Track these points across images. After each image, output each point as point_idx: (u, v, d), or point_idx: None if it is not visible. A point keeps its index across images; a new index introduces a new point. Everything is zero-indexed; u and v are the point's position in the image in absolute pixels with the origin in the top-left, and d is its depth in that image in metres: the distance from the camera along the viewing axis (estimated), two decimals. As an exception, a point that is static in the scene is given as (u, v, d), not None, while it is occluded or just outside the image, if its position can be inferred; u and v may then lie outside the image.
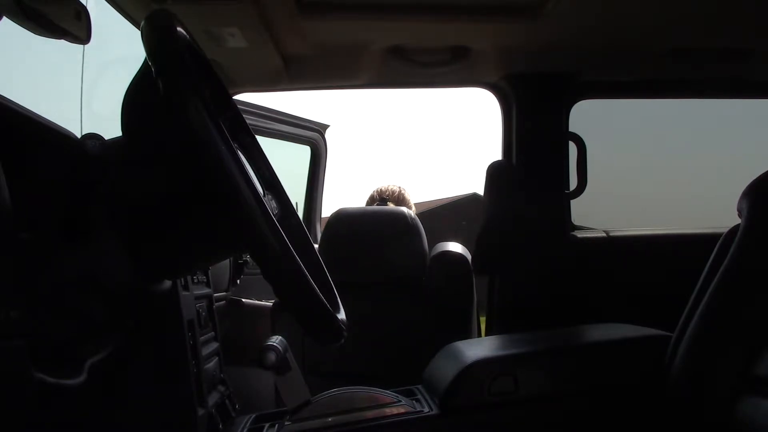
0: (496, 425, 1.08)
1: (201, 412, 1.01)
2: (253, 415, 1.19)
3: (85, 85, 1.63)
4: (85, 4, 0.89)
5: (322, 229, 1.76)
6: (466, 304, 1.69)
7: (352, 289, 1.64)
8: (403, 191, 2.05)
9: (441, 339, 1.63)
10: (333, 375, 1.60)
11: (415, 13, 1.36)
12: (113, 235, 0.69)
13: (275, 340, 0.98)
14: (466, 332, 1.68)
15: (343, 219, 1.71)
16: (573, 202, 1.77)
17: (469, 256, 1.73)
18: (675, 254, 1.67)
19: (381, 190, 2.05)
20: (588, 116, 1.80)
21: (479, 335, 1.79)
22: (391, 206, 1.87)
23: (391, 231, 1.66)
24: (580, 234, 1.75)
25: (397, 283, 1.68)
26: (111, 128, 0.76)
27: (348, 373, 1.60)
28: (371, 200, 2.05)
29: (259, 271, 0.64)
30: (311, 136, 2.62)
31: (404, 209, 1.72)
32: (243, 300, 2.18)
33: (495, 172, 1.72)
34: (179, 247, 0.76)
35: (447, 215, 12.21)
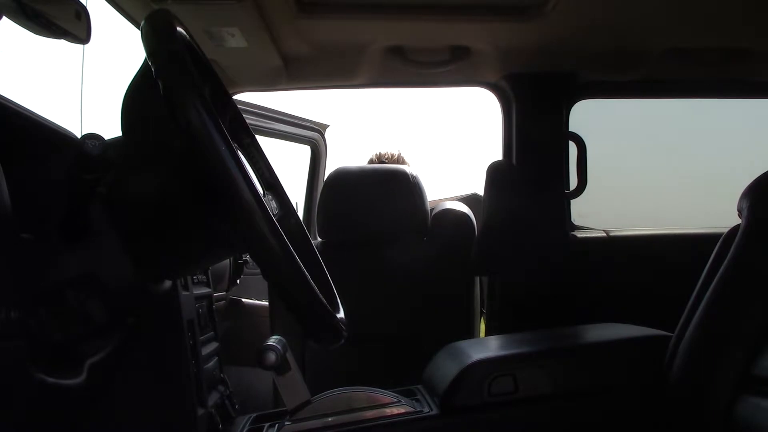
0: (496, 425, 1.08)
1: (201, 412, 1.01)
2: (253, 415, 1.19)
3: (85, 85, 1.64)
4: (85, 4, 0.89)
5: (322, 188, 1.73)
6: (467, 261, 1.68)
7: (352, 247, 1.64)
8: (401, 155, 2.04)
9: (440, 292, 1.61)
10: None
11: (415, 13, 1.36)
12: (113, 235, 0.69)
13: (275, 340, 0.98)
14: (469, 289, 1.67)
15: (343, 177, 1.66)
16: (573, 202, 1.78)
17: (471, 214, 1.71)
18: (675, 254, 1.66)
19: (380, 153, 2.04)
20: (588, 116, 1.80)
21: (480, 315, 1.78)
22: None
23: (393, 188, 1.63)
24: (580, 234, 1.75)
25: (398, 240, 1.64)
26: (111, 128, 0.76)
27: (348, 334, 1.56)
28: (370, 163, 2.04)
29: (259, 271, 0.65)
30: (311, 135, 2.63)
31: (405, 167, 1.70)
32: (243, 300, 2.18)
33: (495, 172, 1.72)
34: (179, 247, 0.76)
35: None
